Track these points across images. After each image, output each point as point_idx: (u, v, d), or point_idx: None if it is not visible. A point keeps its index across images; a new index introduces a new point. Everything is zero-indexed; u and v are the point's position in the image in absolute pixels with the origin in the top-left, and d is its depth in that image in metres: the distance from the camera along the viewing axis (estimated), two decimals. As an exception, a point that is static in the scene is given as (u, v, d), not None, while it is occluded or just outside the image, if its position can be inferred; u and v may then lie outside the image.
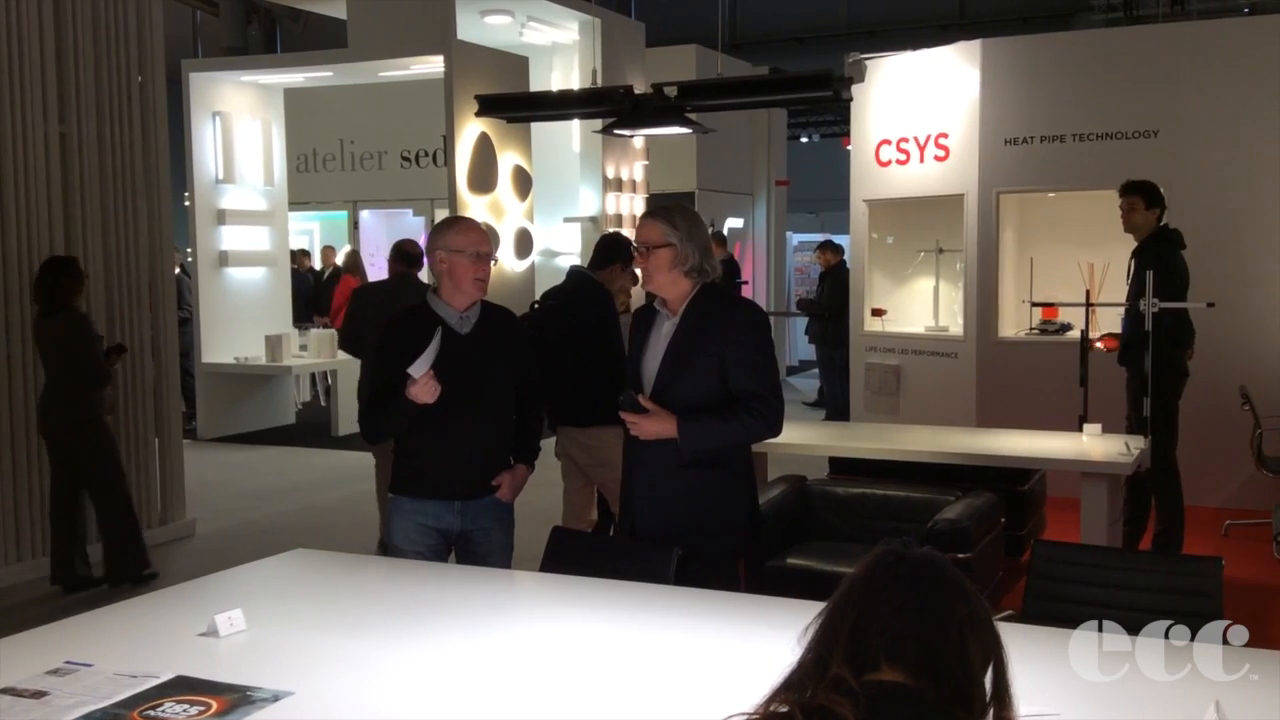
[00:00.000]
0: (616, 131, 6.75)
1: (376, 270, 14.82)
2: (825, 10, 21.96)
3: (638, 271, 3.51)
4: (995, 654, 1.49)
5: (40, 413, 5.96)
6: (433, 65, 10.16)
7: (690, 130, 6.50)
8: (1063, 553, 3.14)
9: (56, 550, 6.02)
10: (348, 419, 11.12)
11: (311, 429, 11.45)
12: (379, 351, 3.55)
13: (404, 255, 6.80)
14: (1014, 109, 7.86)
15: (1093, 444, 5.32)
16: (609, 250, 5.43)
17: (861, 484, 5.33)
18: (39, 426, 6.01)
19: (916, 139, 8.42)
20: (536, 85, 11.08)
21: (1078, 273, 7.96)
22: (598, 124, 11.64)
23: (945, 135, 8.22)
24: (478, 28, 10.91)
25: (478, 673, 2.51)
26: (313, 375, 12.99)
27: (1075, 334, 8.01)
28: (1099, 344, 6.48)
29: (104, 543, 6.05)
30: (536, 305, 5.54)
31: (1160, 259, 5.71)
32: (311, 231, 15.88)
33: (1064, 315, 8.10)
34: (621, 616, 2.87)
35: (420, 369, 3.32)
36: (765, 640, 2.73)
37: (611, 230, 8.27)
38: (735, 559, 3.49)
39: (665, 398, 3.32)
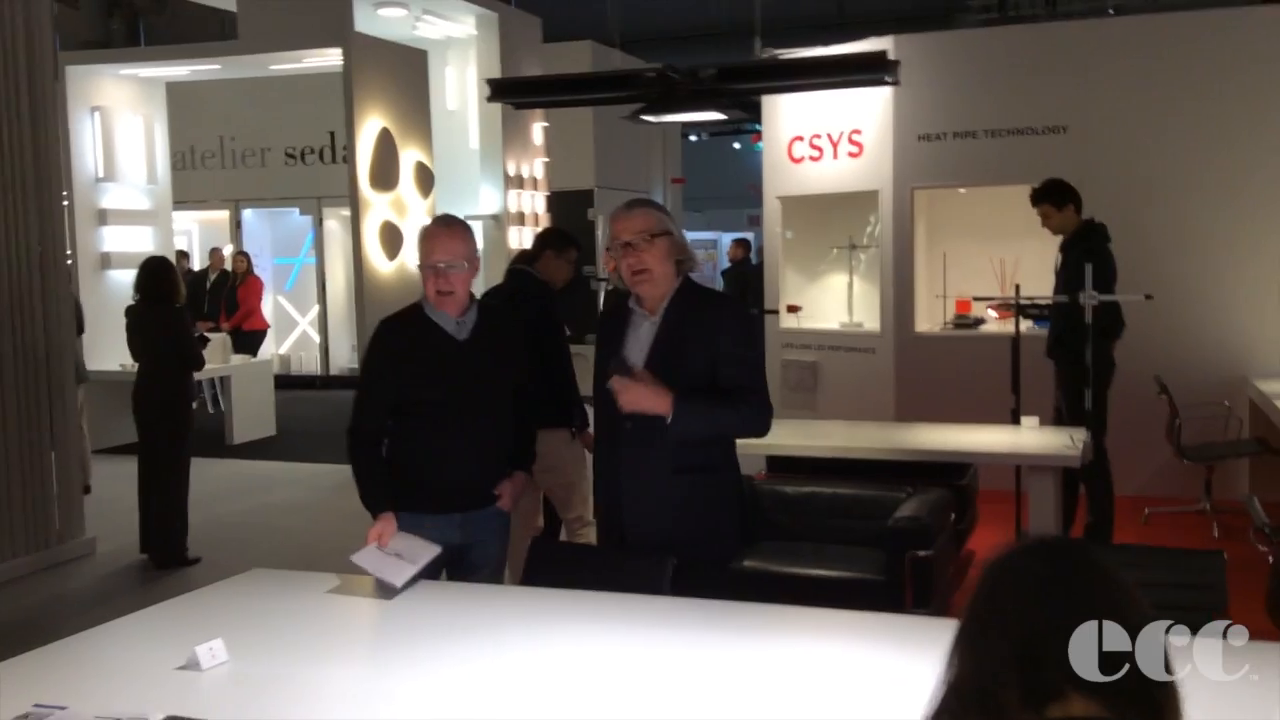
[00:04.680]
0: (645, 117, 6.40)
1: (261, 271, 14.33)
2: (703, 10, 22.03)
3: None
4: None
5: (136, 396, 6.50)
6: (327, 58, 9.82)
7: (727, 116, 6.19)
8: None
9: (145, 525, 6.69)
10: (243, 427, 10.71)
11: (204, 438, 10.87)
12: (367, 354, 3.34)
13: None
14: (927, 105, 7.91)
15: (1036, 437, 5.36)
16: (537, 242, 5.31)
17: (810, 482, 5.26)
18: (134, 409, 6.51)
19: (830, 135, 8.43)
20: (431, 81, 10.81)
21: (989, 267, 8.08)
22: (497, 122, 11.46)
23: (859, 131, 8.24)
24: (370, 20, 10.59)
25: (478, 698, 2.36)
26: (199, 381, 12.44)
27: (990, 328, 8.14)
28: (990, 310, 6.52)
29: (158, 525, 6.55)
30: (474, 306, 5.35)
31: (1091, 253, 5.79)
32: (190, 232, 15.26)
33: (976, 309, 8.18)
34: (622, 631, 2.73)
35: (396, 576, 3.01)
36: (774, 649, 2.64)
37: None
38: (728, 565, 3.37)
39: (650, 402, 3.18)
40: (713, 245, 23.00)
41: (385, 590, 2.97)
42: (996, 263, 8.00)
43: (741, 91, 6.21)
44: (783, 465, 5.95)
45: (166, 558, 6.55)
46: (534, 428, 3.69)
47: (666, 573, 3.05)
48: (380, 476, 3.31)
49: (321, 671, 2.52)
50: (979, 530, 6.15)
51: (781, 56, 8.53)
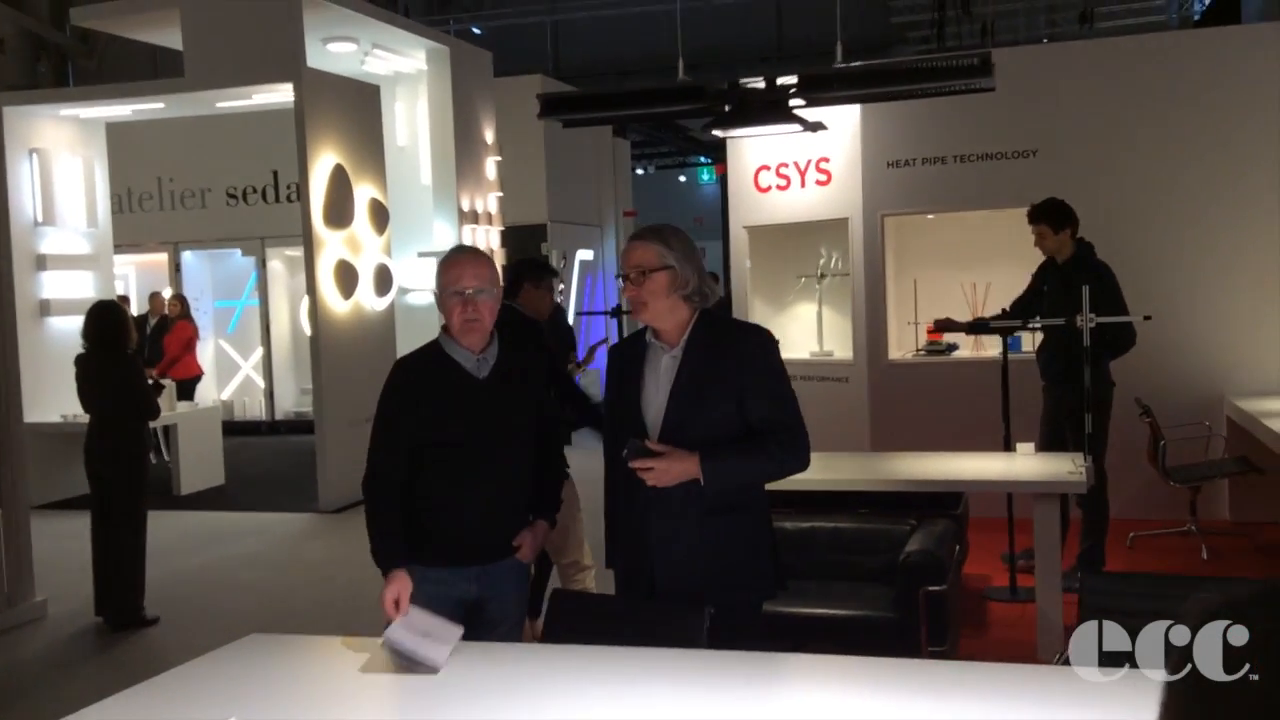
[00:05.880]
0: (716, 131, 6.12)
1: (202, 314, 13.94)
2: (645, 44, 22.05)
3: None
4: None
5: (88, 449, 6.22)
6: (277, 94, 9.56)
7: (803, 129, 5.84)
8: (1117, 584, 2.96)
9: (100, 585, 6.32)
10: (190, 477, 10.32)
11: (151, 489, 10.51)
12: (381, 398, 3.10)
13: None
14: (895, 131, 7.84)
15: (1035, 463, 5.24)
16: (514, 274, 5.07)
17: (810, 517, 5.09)
18: (86, 461, 6.23)
19: (797, 164, 8.32)
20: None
21: (959, 293, 8.00)
22: (450, 157, 11.24)
23: (826, 159, 8.15)
24: (319, 55, 10.34)
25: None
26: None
27: (964, 353, 8.06)
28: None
29: (112, 581, 6.22)
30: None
31: (1097, 272, 5.71)
32: (127, 276, 14.80)
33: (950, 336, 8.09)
34: (661, 689, 2.53)
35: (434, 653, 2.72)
36: (823, 705, 2.46)
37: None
38: (760, 608, 3.17)
39: (676, 439, 2.98)
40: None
41: (424, 669, 2.70)
42: (967, 288, 7.94)
43: (827, 101, 5.85)
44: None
45: (123, 618, 6.23)
46: (562, 472, 3.46)
47: (703, 623, 2.85)
48: (394, 527, 3.05)
49: (350, 750, 2.29)
50: (972, 558, 6.02)
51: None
